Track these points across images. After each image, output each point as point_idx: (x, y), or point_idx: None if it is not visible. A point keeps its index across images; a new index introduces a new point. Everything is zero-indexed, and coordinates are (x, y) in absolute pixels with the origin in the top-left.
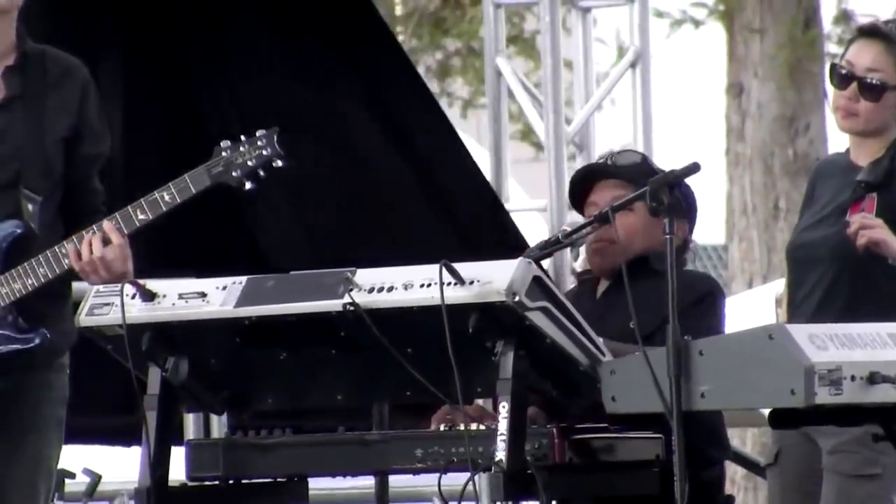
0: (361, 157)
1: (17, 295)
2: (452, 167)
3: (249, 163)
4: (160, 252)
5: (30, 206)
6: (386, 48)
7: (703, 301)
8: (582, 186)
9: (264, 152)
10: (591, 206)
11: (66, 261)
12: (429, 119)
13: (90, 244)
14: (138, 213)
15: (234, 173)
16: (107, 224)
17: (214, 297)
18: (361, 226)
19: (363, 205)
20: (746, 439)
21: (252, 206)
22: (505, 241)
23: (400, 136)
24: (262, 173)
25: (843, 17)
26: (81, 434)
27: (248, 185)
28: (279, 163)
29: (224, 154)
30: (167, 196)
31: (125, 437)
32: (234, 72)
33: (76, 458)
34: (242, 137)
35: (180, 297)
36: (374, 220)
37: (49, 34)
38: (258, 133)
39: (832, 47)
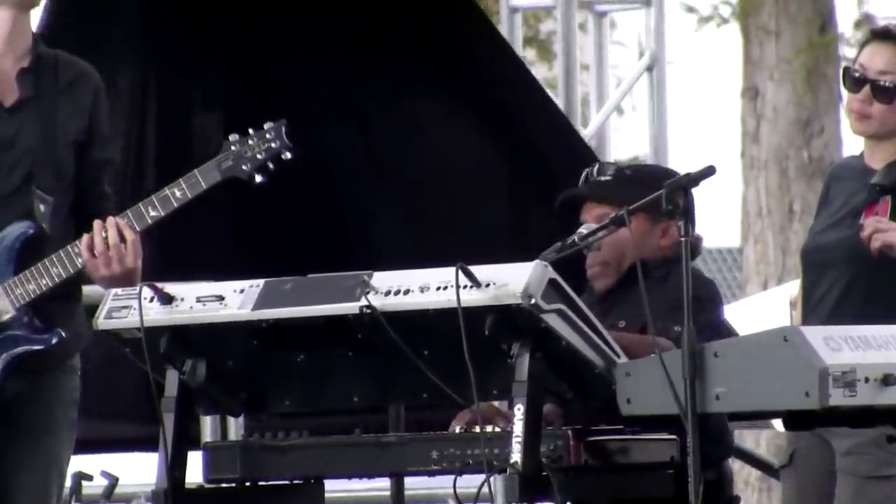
0: (458, 144)
1: (32, 295)
2: (561, 148)
3: (259, 156)
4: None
5: (42, 207)
6: (477, 27)
7: (701, 300)
8: (568, 208)
9: (273, 145)
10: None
11: (80, 260)
12: (530, 98)
13: (105, 236)
14: (150, 209)
15: (243, 167)
16: (120, 220)
17: (232, 300)
18: (466, 216)
19: (464, 195)
20: (761, 441)
21: (364, 200)
22: None
23: (499, 120)
24: (271, 166)
25: (865, 20)
26: (104, 443)
27: (258, 179)
28: (288, 155)
29: (233, 148)
30: (178, 192)
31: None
32: (314, 57)
33: (94, 461)
34: (250, 130)
35: (198, 300)
36: (480, 209)
37: (154, 50)
38: (266, 125)
39: (847, 50)
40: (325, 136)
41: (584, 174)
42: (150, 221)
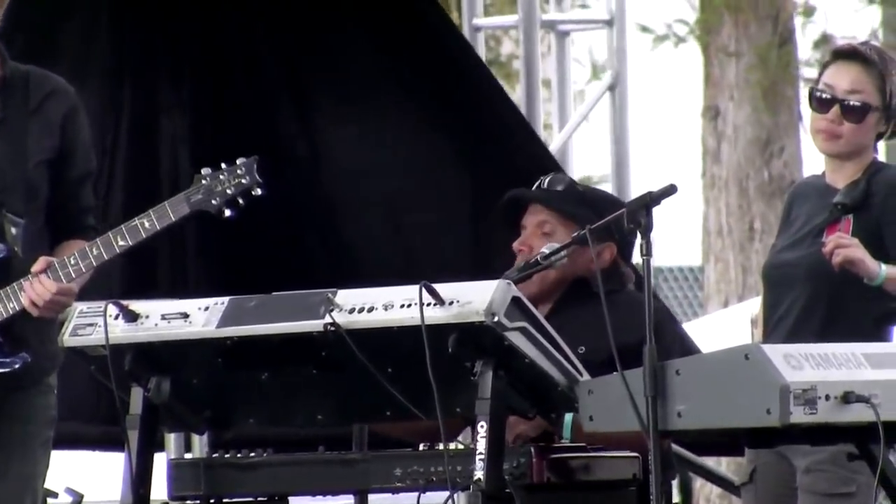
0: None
1: None
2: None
3: (229, 191)
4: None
5: (13, 230)
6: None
7: (662, 321)
8: (514, 210)
9: (244, 181)
10: (521, 229)
11: None
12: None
13: (38, 299)
14: (118, 239)
15: (213, 201)
16: (45, 282)
17: (197, 317)
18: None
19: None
20: (721, 458)
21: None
22: None
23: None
24: (241, 201)
25: (824, 40)
26: (75, 441)
27: (227, 213)
28: (258, 191)
29: (204, 182)
30: (147, 223)
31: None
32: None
33: (59, 478)
34: (223, 165)
35: (163, 317)
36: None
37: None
38: (238, 161)
39: (807, 71)
40: (288, 148)
41: (538, 181)
42: (118, 251)
